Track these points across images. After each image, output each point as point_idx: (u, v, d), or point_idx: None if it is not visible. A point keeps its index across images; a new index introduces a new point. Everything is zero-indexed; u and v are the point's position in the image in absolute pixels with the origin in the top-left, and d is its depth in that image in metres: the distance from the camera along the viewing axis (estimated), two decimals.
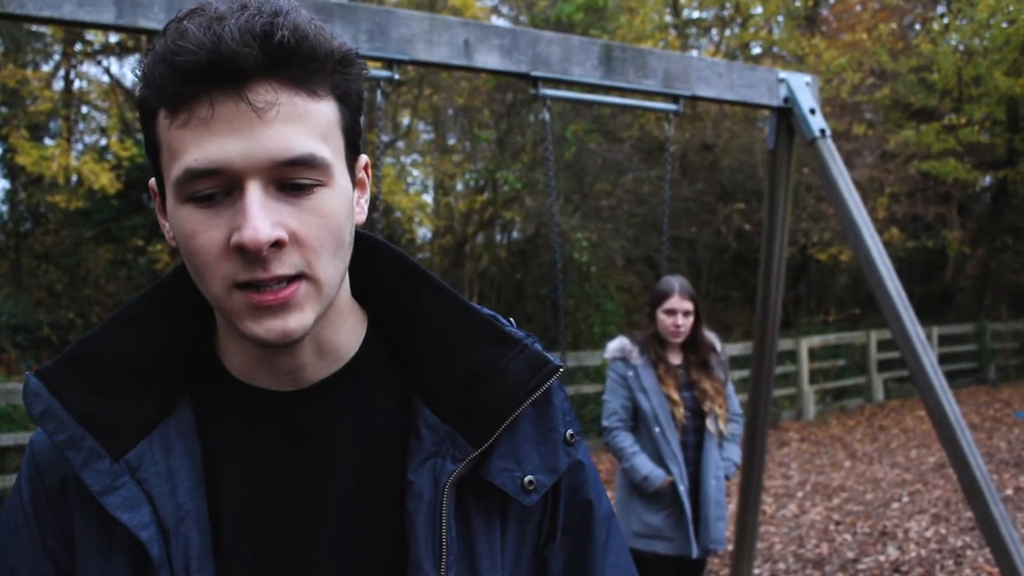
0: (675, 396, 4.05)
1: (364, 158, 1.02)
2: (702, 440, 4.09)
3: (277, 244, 0.85)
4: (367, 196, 1.04)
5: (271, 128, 0.83)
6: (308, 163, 0.85)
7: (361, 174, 1.01)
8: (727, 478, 4.18)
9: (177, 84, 0.83)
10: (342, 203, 0.91)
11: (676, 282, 4.16)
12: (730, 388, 4.31)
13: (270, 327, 0.88)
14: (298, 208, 0.87)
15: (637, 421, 4.13)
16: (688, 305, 4.10)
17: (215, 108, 0.83)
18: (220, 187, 0.85)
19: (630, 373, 4.12)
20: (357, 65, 0.93)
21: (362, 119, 0.98)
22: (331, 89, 0.89)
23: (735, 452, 4.24)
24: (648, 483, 3.95)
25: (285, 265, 0.86)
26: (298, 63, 0.85)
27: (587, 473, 1.10)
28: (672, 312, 4.10)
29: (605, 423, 4.17)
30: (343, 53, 0.90)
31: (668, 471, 3.98)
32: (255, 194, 0.84)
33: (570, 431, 1.05)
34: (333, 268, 0.91)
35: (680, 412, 4.04)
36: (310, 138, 0.86)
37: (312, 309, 0.90)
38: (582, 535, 1.08)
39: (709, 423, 4.08)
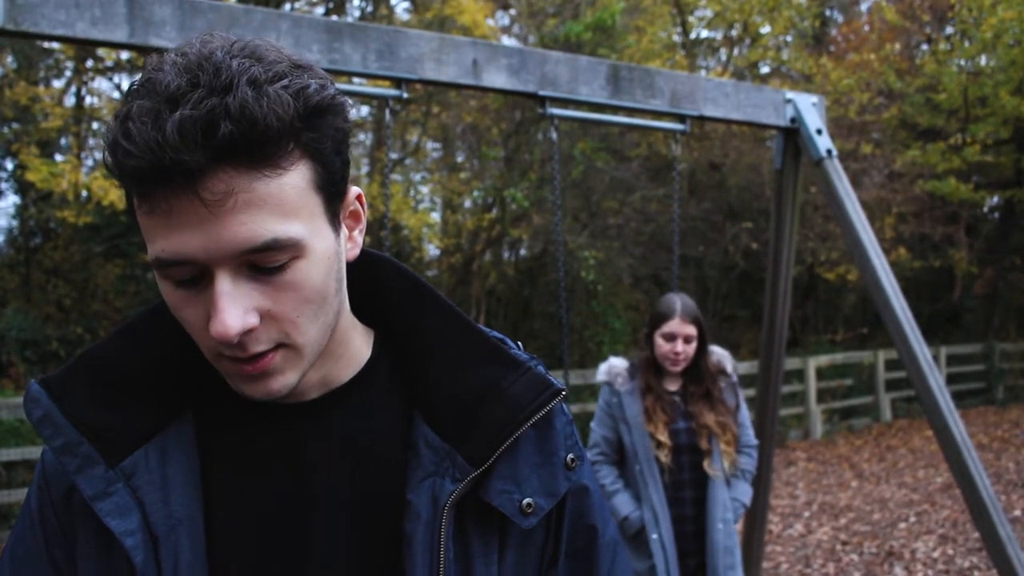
0: (660, 434, 3.51)
1: (354, 191, 0.99)
2: (704, 478, 3.55)
3: (250, 330, 0.86)
4: (362, 226, 1.02)
5: (229, 220, 0.81)
6: (272, 247, 0.84)
7: (354, 206, 1.00)
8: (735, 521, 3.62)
9: (129, 182, 0.83)
10: (319, 267, 0.89)
11: (678, 301, 3.61)
12: (743, 415, 3.76)
13: (255, 389, 0.91)
14: (271, 286, 0.87)
15: (622, 454, 3.68)
16: (690, 329, 3.56)
17: (171, 203, 0.81)
18: (193, 273, 0.86)
19: (614, 400, 3.67)
20: (332, 110, 0.89)
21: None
22: (300, 153, 0.86)
23: (744, 491, 3.67)
24: (628, 525, 3.49)
25: (262, 342, 0.88)
26: (249, 149, 0.81)
27: (592, 498, 1.09)
28: (671, 337, 3.57)
29: (587, 454, 3.47)
30: (311, 107, 0.85)
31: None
32: (224, 284, 0.84)
33: (571, 455, 1.05)
34: (315, 328, 0.92)
35: (664, 453, 3.51)
36: (273, 223, 0.83)
37: (294, 370, 0.92)
38: (586, 561, 1.08)
39: (707, 465, 3.53)
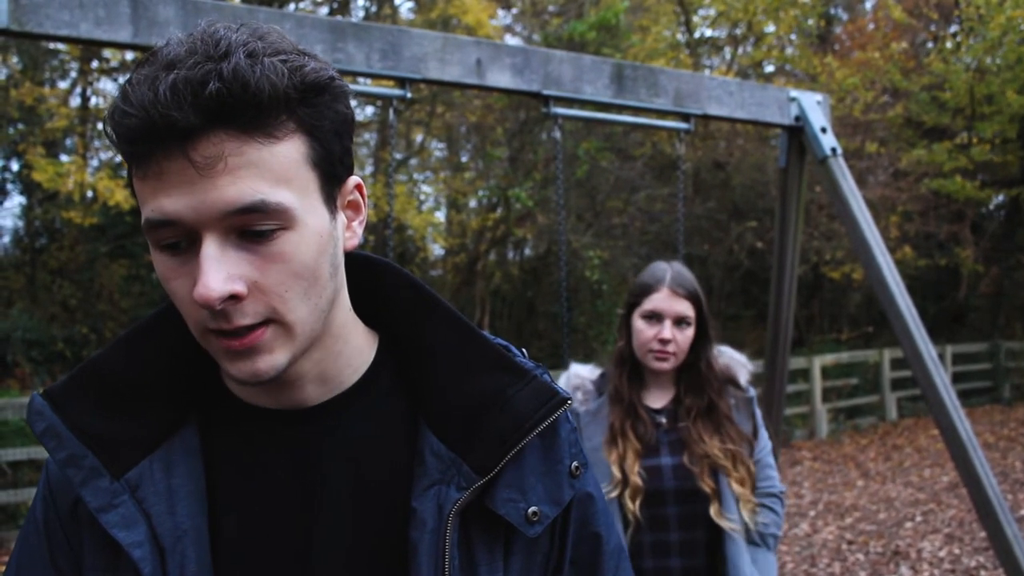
0: (625, 470, 2.32)
1: (354, 180, 0.98)
2: (700, 540, 2.36)
3: (234, 297, 0.85)
4: (362, 217, 1.01)
5: (218, 182, 0.82)
6: (260, 210, 0.83)
7: (353, 196, 0.99)
8: None
9: (125, 144, 0.84)
10: (310, 243, 0.89)
11: (668, 270, 2.45)
12: (764, 449, 2.51)
13: (241, 368, 0.89)
14: (259, 256, 0.86)
15: None
16: (683, 307, 2.39)
17: (163, 165, 0.82)
18: (182, 237, 0.85)
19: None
20: (331, 91, 0.90)
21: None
22: (295, 126, 0.87)
23: (768, 565, 2.43)
24: None
25: (248, 315, 0.86)
26: (240, 112, 0.82)
27: (597, 506, 1.09)
28: (655, 317, 2.40)
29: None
30: (308, 84, 0.86)
31: None
32: (210, 248, 0.83)
33: (575, 463, 1.04)
34: (306, 308, 0.90)
35: (634, 500, 2.30)
36: (263, 185, 0.84)
37: (283, 350, 0.90)
38: (591, 569, 1.07)
39: (714, 512, 2.32)
